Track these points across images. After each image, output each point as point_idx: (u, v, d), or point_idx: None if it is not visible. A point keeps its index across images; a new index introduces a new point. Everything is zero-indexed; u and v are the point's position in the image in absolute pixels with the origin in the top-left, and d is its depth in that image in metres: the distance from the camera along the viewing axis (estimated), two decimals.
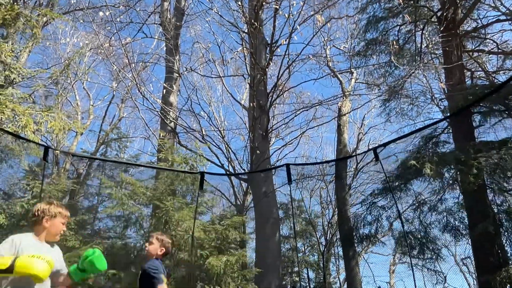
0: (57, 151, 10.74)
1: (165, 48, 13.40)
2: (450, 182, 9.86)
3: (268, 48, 11.38)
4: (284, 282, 13.10)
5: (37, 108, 8.84)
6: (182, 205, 7.48)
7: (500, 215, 8.90)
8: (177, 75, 12.33)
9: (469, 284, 18.14)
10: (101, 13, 11.62)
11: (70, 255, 6.90)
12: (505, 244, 8.74)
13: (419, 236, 10.28)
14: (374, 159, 4.74)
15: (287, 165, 5.14)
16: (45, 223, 2.83)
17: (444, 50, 10.62)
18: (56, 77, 10.48)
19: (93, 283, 6.94)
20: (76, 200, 12.70)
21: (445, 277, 13.58)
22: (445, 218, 10.11)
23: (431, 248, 10.21)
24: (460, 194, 9.90)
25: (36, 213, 2.84)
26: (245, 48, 11.78)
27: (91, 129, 17.50)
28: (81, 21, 14.26)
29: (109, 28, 13.08)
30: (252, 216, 12.93)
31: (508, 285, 8.00)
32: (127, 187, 9.37)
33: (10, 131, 6.41)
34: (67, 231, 7.45)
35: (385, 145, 4.74)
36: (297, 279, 14.25)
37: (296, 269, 14.63)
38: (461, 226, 9.89)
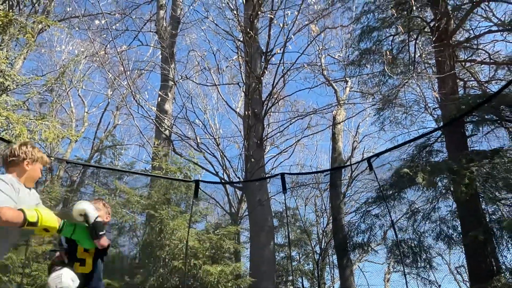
0: (51, 158, 10.67)
1: (160, 56, 13.45)
2: (443, 191, 9.92)
3: (263, 57, 11.45)
4: None
5: (31, 116, 8.81)
6: (176, 214, 7.47)
7: (491, 224, 8.96)
8: (172, 83, 12.36)
9: None
10: (97, 21, 11.68)
11: None
12: (497, 253, 8.79)
13: (413, 245, 10.31)
14: (368, 168, 4.77)
15: (282, 174, 5.16)
16: (26, 166, 2.50)
17: (437, 60, 10.75)
18: (51, 85, 10.46)
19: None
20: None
21: (439, 286, 13.61)
22: (438, 226, 10.16)
23: (424, 257, 10.24)
24: (453, 202, 9.96)
25: (17, 153, 2.49)
26: (240, 57, 11.84)
27: (85, 136, 17.45)
28: (77, 28, 14.30)
29: (104, 35, 13.13)
30: (246, 224, 12.92)
31: None
32: (121, 195, 9.35)
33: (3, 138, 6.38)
34: None
35: (378, 155, 4.79)
36: None
37: (290, 278, 14.58)
38: (455, 234, 9.94)
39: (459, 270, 17.33)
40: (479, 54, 12.08)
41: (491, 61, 11.54)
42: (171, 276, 6.88)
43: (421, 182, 8.49)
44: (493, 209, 9.29)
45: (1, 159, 2.59)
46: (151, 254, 7.27)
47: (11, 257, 6.42)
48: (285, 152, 16.33)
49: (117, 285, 6.85)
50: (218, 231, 7.76)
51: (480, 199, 9.14)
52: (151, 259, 7.25)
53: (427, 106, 12.61)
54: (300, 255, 16.24)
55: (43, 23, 10.50)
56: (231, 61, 12.54)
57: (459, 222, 9.66)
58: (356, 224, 11.25)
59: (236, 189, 14.30)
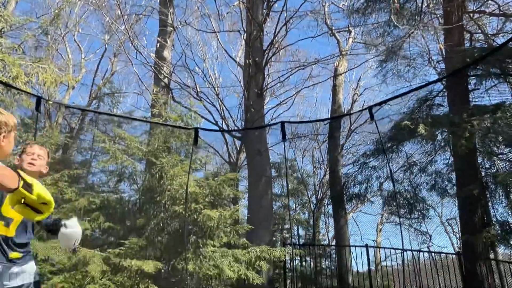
0: (50, 102, 10.59)
1: (158, 0, 12.95)
2: (442, 144, 9.98)
3: (265, 3, 11.06)
4: (274, 238, 13.47)
5: (27, 59, 8.63)
6: (176, 162, 7.52)
7: (487, 179, 9.11)
8: (171, 29, 11.99)
9: (452, 244, 18.83)
10: None
11: (67, 207, 7.00)
12: (490, 207, 9.02)
13: (408, 196, 10.53)
14: (369, 118, 4.74)
15: (282, 123, 5.14)
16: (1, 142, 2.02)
17: (445, 10, 10.41)
18: (46, 27, 10.16)
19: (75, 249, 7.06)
20: (70, 154, 12.71)
21: (430, 236, 14.06)
22: (434, 179, 10.33)
23: (418, 208, 10.50)
24: (451, 156, 10.05)
25: None
26: (241, 3, 11.44)
27: (83, 83, 17.21)
28: None
29: None
30: (245, 174, 13.09)
31: (490, 247, 8.34)
32: (120, 142, 9.37)
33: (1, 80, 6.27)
34: (63, 183, 7.51)
35: (380, 104, 4.74)
36: (287, 235, 14.65)
37: (287, 226, 15.01)
38: (449, 186, 10.14)
39: (450, 222, 17.87)
40: (489, 5, 11.68)
41: (501, 12, 11.17)
42: (172, 220, 7.05)
43: (423, 132, 8.50)
44: (489, 164, 9.40)
45: None
46: (151, 199, 7.41)
47: None
48: (284, 103, 16.25)
49: (118, 228, 7.04)
50: (217, 178, 7.87)
51: (478, 153, 9.22)
52: (152, 204, 7.39)
53: (431, 59, 12.38)
54: (296, 205, 16.64)
55: None
56: (232, 7, 12.13)
57: (454, 176, 9.81)
58: (353, 176, 11.42)
59: (235, 139, 14.35)
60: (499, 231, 8.63)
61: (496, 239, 8.54)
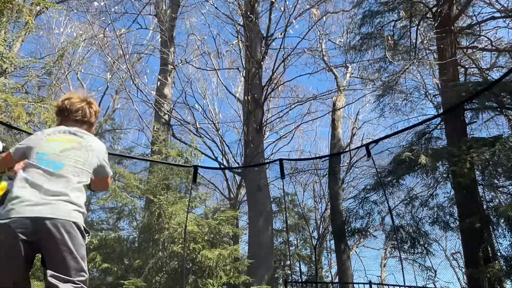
0: None
1: (160, 40, 13.32)
2: (444, 175, 9.96)
3: (263, 41, 11.35)
4: (276, 275, 13.20)
5: (30, 99, 8.77)
6: (175, 199, 7.50)
7: (488, 212, 9.03)
8: (172, 67, 12.26)
9: (458, 279, 18.39)
10: (95, 3, 11.52)
11: None
12: (493, 240, 8.89)
13: (410, 231, 10.40)
14: (366, 155, 4.77)
15: (281, 160, 5.16)
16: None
17: (439, 46, 10.66)
18: (49, 67, 10.37)
19: None
20: None
21: (435, 271, 13.77)
22: (436, 213, 10.24)
23: (421, 242, 10.34)
24: (452, 189, 10.01)
25: None
26: (240, 41, 11.74)
27: None
28: (75, 10, 14.10)
29: (103, 18, 12.97)
30: (245, 209, 12.99)
31: (496, 282, 8.14)
32: (120, 179, 9.37)
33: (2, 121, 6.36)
34: None
35: (377, 141, 4.78)
36: (289, 272, 14.36)
37: (288, 262, 14.74)
38: (451, 220, 10.03)
39: (455, 256, 17.54)
40: (481, 41, 11.98)
41: (493, 48, 11.45)
42: (170, 259, 6.95)
43: (425, 163, 8.49)
44: (491, 196, 9.35)
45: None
46: (150, 238, 7.33)
47: None
48: (284, 137, 16.33)
49: (115, 268, 6.92)
50: (216, 215, 7.81)
51: (478, 186, 9.19)
52: (150, 243, 7.31)
53: (427, 93, 12.55)
54: (298, 240, 16.40)
55: (41, 4, 10.38)
56: (231, 45, 12.44)
57: (456, 209, 9.73)
58: (354, 210, 11.32)
59: (235, 175, 14.34)
60: (504, 266, 8.47)
61: (502, 274, 8.36)
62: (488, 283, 8.22)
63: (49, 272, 1.73)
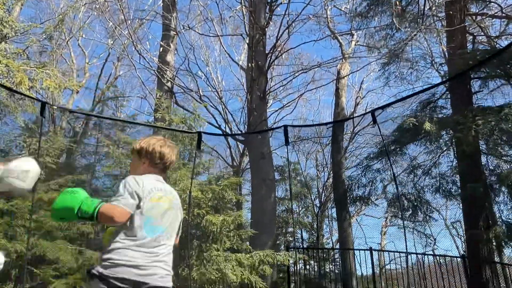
0: (54, 107, 10.64)
1: (162, 5, 13.02)
2: (448, 143, 9.95)
3: (268, 7, 11.09)
4: (278, 242, 13.45)
5: (31, 64, 8.69)
6: (179, 165, 7.53)
7: (491, 179, 9.06)
8: (174, 33, 12.05)
9: (457, 247, 18.72)
10: None
11: None
12: (494, 207, 8.96)
13: (412, 199, 10.50)
14: (372, 122, 4.72)
15: (285, 127, 5.13)
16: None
17: (447, 13, 10.39)
18: (50, 32, 10.23)
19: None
20: (73, 159, 12.77)
21: (434, 239, 13.99)
22: (438, 182, 10.29)
23: (423, 210, 10.45)
24: (455, 159, 10.02)
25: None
26: (244, 7, 11.48)
27: (87, 87, 17.29)
28: None
29: None
30: (248, 177, 13.09)
31: (496, 246, 8.27)
32: (124, 146, 9.40)
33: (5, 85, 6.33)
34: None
35: (383, 107, 4.73)
36: (291, 238, 14.63)
37: (290, 229, 14.99)
38: (454, 188, 10.09)
39: (455, 225, 17.78)
40: (491, 8, 11.65)
41: (503, 14, 11.15)
42: None
43: (430, 129, 8.45)
44: (493, 165, 9.36)
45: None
46: None
47: (17, 203, 6.57)
48: (287, 106, 16.27)
49: None
50: (220, 182, 7.87)
51: (482, 155, 9.19)
52: None
53: (433, 62, 12.35)
54: (300, 208, 16.62)
55: None
56: (234, 11, 12.19)
57: (458, 178, 9.77)
58: (357, 179, 11.39)
59: (238, 142, 14.37)
60: (505, 230, 8.56)
61: (502, 239, 8.47)
62: (488, 251, 8.35)
63: None
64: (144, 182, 2.10)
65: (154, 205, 2.07)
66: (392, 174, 10.22)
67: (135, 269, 1.91)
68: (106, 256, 1.95)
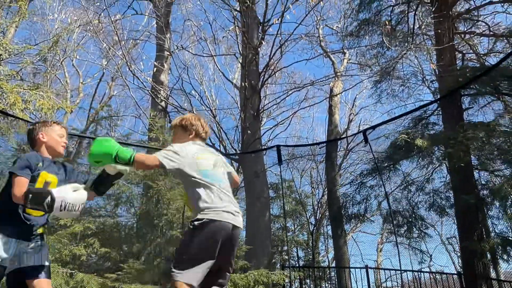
0: None
1: (155, 26, 13.19)
2: (440, 159, 10.01)
3: (260, 27, 11.26)
4: (274, 260, 13.33)
5: (25, 86, 8.71)
6: (173, 185, 7.51)
7: (483, 192, 9.11)
8: (168, 53, 12.17)
9: (454, 263, 18.64)
10: None
11: (61, 233, 6.96)
12: (488, 220, 8.98)
13: (407, 215, 10.50)
14: (364, 141, 4.78)
15: (278, 146, 5.18)
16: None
17: (436, 31, 10.61)
18: (44, 54, 10.29)
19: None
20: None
21: (430, 255, 13.93)
22: (432, 198, 10.32)
23: (418, 226, 10.45)
24: (447, 174, 10.08)
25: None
26: (237, 27, 11.65)
27: (81, 106, 17.30)
28: None
29: (98, 4, 12.81)
30: (242, 196, 13.04)
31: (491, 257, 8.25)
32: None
33: None
34: None
35: (374, 127, 4.79)
36: (286, 257, 14.50)
37: (285, 247, 14.87)
38: (447, 204, 10.12)
39: (450, 241, 17.74)
40: (479, 26, 11.92)
41: (491, 33, 11.40)
42: (168, 245, 7.00)
43: (421, 145, 8.52)
44: (485, 180, 9.42)
45: None
46: (148, 223, 7.37)
47: None
48: (281, 124, 16.37)
49: (115, 253, 6.97)
50: None
51: (474, 170, 9.25)
52: (149, 229, 7.35)
53: (424, 79, 12.55)
54: (295, 226, 16.53)
55: None
56: (227, 31, 12.37)
57: (452, 194, 9.81)
58: (351, 195, 11.39)
59: (232, 161, 14.35)
60: (499, 243, 8.55)
61: (497, 251, 8.45)
62: (482, 264, 8.33)
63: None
64: (187, 147, 2.43)
65: (201, 161, 2.39)
66: (384, 191, 10.24)
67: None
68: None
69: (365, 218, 11.88)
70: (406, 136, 9.00)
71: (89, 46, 18.44)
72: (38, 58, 10.72)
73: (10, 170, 2.32)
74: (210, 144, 12.41)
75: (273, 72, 12.02)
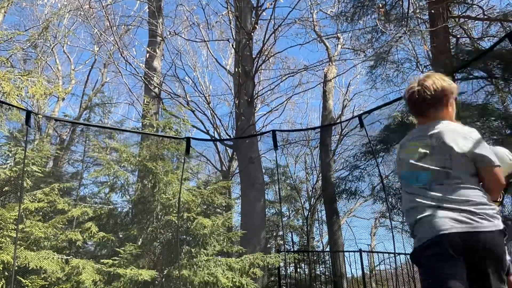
0: (39, 116, 10.52)
1: (147, 11, 12.99)
2: None
3: (253, 12, 11.14)
4: (268, 245, 13.45)
5: (16, 72, 8.59)
6: (168, 170, 7.50)
7: None
8: (161, 39, 12.03)
9: None
10: None
11: (58, 218, 6.96)
12: None
13: (400, 199, 10.59)
14: (359, 125, 4.77)
15: (273, 131, 5.16)
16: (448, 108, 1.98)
17: (430, 14, 10.55)
18: (34, 40, 10.13)
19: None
20: (60, 167, 12.61)
21: None
22: None
23: None
24: None
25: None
26: (230, 12, 11.52)
27: (73, 93, 17.11)
28: None
29: None
30: (237, 181, 13.09)
31: None
32: (112, 153, 9.33)
33: None
34: (54, 195, 7.45)
35: (370, 112, 4.79)
36: (281, 242, 14.64)
37: (280, 233, 15.01)
38: None
39: None
40: (474, 10, 11.88)
41: (485, 16, 11.36)
42: (165, 229, 7.03)
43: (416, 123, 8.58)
44: None
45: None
46: (144, 208, 7.38)
47: (3, 213, 6.46)
48: (275, 110, 16.34)
49: (113, 238, 6.99)
50: (209, 186, 7.86)
51: None
52: (144, 214, 7.36)
53: (418, 64, 12.54)
54: (290, 211, 16.65)
55: None
56: (220, 16, 12.22)
57: None
58: (346, 179, 11.45)
59: (227, 147, 14.36)
60: None
61: None
62: None
63: None
64: None
65: None
66: (379, 173, 10.31)
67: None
68: None
69: (358, 194, 11.88)
70: (399, 115, 9.04)
71: (80, 32, 18.21)
72: (28, 44, 10.54)
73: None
74: (205, 130, 12.40)
75: (267, 58, 11.94)
